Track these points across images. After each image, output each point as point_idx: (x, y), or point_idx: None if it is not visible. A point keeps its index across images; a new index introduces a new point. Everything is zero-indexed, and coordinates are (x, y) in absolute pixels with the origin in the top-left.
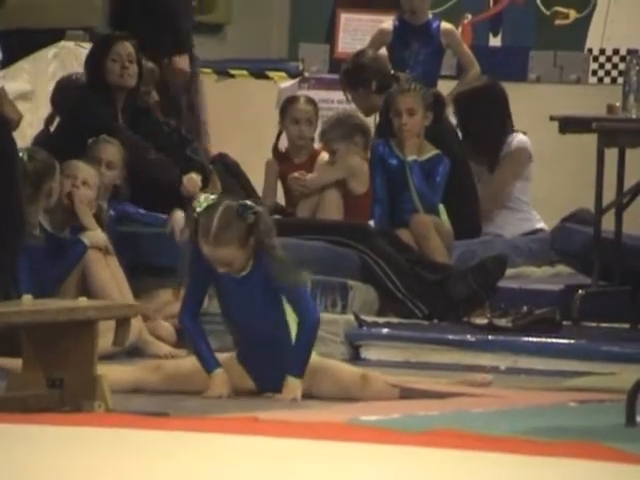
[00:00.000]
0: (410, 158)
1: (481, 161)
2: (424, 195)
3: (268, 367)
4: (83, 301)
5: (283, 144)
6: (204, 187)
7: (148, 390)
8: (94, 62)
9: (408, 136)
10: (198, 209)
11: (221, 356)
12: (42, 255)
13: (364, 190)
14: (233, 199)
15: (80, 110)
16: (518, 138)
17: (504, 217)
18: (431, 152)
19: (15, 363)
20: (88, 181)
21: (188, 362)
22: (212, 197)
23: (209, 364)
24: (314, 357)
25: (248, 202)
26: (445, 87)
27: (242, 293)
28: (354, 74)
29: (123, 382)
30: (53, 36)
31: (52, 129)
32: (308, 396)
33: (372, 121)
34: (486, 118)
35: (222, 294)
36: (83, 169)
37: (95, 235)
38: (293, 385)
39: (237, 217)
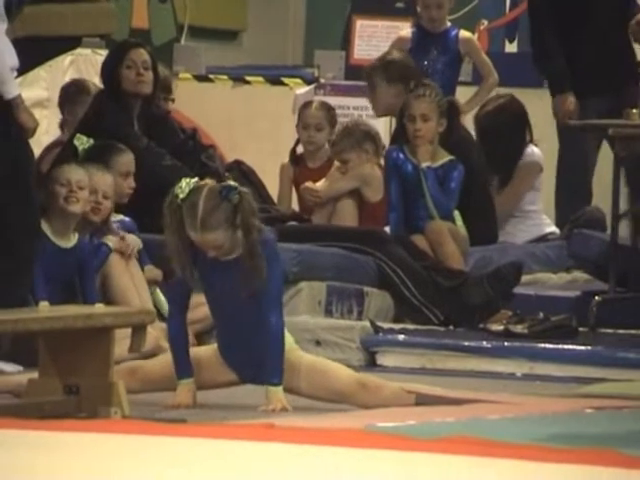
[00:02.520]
0: (424, 165)
1: (496, 174)
2: (438, 201)
3: (249, 356)
4: (100, 307)
5: (301, 148)
6: None
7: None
8: (109, 69)
9: (421, 142)
10: (181, 196)
11: (204, 348)
12: (57, 262)
13: (379, 198)
14: (215, 182)
15: (96, 117)
16: (530, 151)
17: (514, 225)
18: (445, 158)
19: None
20: (107, 191)
21: (164, 361)
22: (193, 181)
23: (182, 371)
24: (311, 357)
25: (231, 183)
26: (461, 94)
27: (227, 278)
28: (396, 69)
29: None
30: (69, 43)
31: (65, 135)
32: (301, 395)
33: (382, 126)
34: (506, 138)
35: (206, 280)
36: (103, 179)
37: (114, 239)
38: (275, 395)
39: (222, 199)
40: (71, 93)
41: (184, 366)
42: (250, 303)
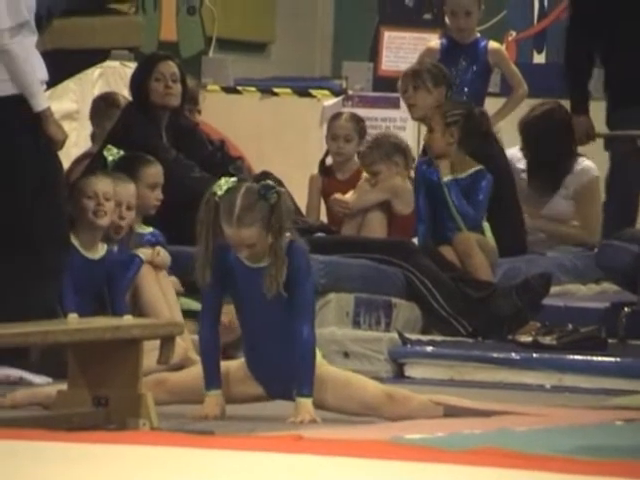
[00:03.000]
0: (446, 179)
1: (542, 186)
2: (465, 213)
3: (277, 371)
4: (128, 319)
5: (330, 160)
6: None
7: (157, 405)
8: (138, 82)
9: (432, 156)
10: (219, 193)
11: (232, 363)
12: (85, 274)
13: (409, 211)
14: (254, 181)
15: (124, 129)
16: (586, 166)
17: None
18: (473, 168)
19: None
20: (131, 202)
21: (192, 373)
22: (232, 180)
23: (209, 382)
24: (338, 371)
25: (270, 182)
26: (489, 104)
27: (256, 287)
28: (444, 75)
29: None
30: (98, 56)
31: (95, 147)
32: (328, 409)
33: (411, 138)
34: (553, 145)
35: (235, 290)
36: (126, 190)
37: (148, 251)
38: (305, 407)
39: (259, 197)
40: (101, 106)
41: (213, 377)
42: (279, 314)
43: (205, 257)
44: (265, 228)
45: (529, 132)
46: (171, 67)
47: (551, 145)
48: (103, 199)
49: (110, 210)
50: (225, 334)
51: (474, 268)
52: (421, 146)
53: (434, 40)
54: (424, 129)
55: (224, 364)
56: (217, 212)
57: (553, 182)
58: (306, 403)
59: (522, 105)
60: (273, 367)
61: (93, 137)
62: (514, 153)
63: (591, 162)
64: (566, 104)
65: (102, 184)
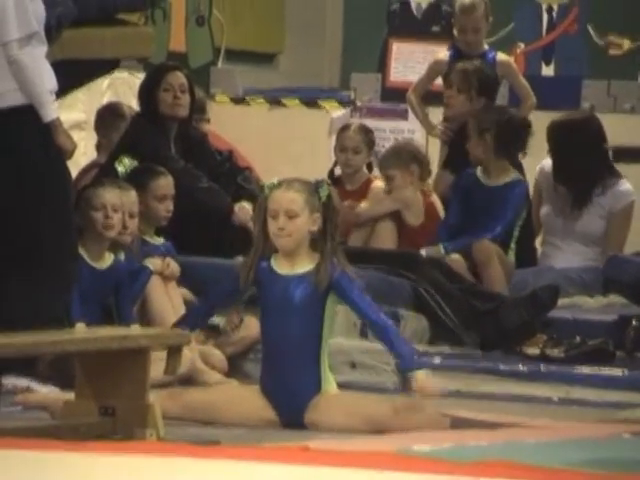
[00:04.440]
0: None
1: (571, 194)
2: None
3: (291, 395)
4: (135, 329)
5: (339, 171)
6: None
7: (165, 418)
8: (147, 92)
9: (472, 163)
10: (269, 184)
11: (245, 387)
12: (93, 284)
13: (419, 222)
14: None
15: (133, 139)
16: (626, 189)
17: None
18: (509, 177)
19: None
20: (133, 210)
21: (207, 391)
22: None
23: (189, 320)
24: (339, 393)
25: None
26: None
27: (286, 294)
28: (490, 84)
29: None
30: (108, 66)
31: (102, 157)
32: (337, 430)
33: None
34: (580, 152)
35: (264, 299)
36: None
37: (158, 262)
38: (421, 376)
39: (312, 189)
40: (106, 117)
41: (194, 316)
42: (303, 327)
43: (253, 258)
44: (310, 213)
45: (556, 137)
46: (179, 78)
47: (580, 154)
48: (111, 211)
49: (118, 222)
50: (234, 345)
51: (490, 279)
52: (429, 156)
53: (442, 52)
54: (432, 140)
55: (239, 387)
56: (266, 206)
57: (581, 195)
58: (420, 374)
59: (532, 118)
60: (288, 389)
61: (98, 147)
62: (547, 162)
63: (629, 186)
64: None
65: (110, 196)
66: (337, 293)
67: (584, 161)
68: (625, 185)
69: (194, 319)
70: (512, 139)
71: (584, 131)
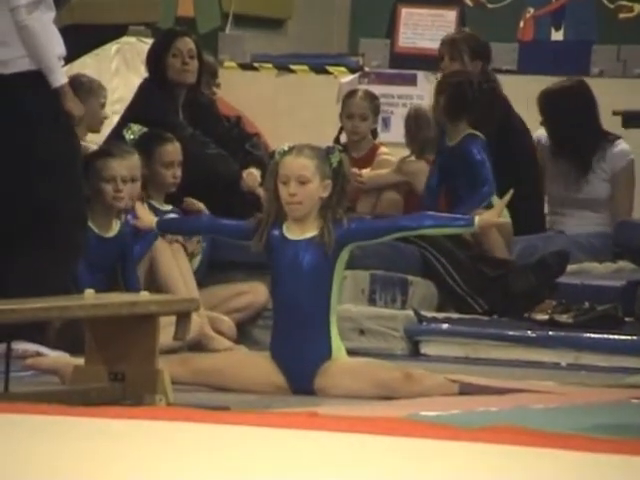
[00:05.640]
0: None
1: (570, 163)
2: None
3: (302, 360)
4: (145, 295)
5: (345, 137)
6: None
7: (176, 384)
8: (155, 58)
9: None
10: (279, 150)
11: (254, 353)
12: (100, 252)
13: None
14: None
15: (142, 105)
16: (623, 149)
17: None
18: (461, 135)
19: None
20: (136, 174)
21: (217, 357)
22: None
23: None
24: (349, 359)
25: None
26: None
27: (297, 259)
28: (481, 47)
29: None
30: (116, 32)
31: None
32: (347, 395)
33: None
34: (573, 119)
35: (275, 264)
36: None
37: None
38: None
39: (323, 155)
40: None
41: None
42: (313, 291)
43: (265, 224)
44: (320, 179)
45: (546, 106)
46: (188, 43)
47: (572, 121)
48: (121, 183)
49: (128, 192)
50: (243, 312)
51: (489, 246)
52: None
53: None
54: None
55: (248, 353)
56: (277, 170)
57: (581, 162)
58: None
59: (541, 84)
60: (298, 355)
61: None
62: (543, 133)
63: (626, 145)
64: (587, 81)
65: (120, 167)
66: (355, 238)
67: (577, 128)
68: (622, 145)
69: (176, 223)
70: (461, 103)
71: (574, 97)
